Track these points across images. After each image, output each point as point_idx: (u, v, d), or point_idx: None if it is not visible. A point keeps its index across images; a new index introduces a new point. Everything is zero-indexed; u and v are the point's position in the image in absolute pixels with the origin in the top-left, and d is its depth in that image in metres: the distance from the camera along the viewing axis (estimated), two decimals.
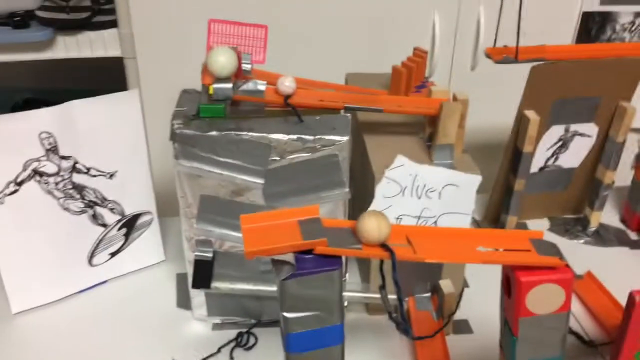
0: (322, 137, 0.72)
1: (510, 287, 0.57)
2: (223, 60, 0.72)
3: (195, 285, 0.79)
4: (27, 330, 0.84)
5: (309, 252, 0.53)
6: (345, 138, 0.72)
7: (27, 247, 0.83)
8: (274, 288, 0.79)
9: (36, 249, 0.84)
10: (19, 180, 0.80)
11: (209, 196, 0.74)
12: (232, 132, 0.71)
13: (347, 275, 0.91)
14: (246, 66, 0.79)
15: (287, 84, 0.75)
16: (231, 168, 0.72)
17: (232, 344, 0.82)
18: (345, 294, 0.82)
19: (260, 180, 0.72)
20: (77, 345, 0.82)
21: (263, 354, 0.81)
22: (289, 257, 0.52)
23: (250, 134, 0.71)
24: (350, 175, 0.76)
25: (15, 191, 0.80)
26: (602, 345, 0.83)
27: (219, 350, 0.81)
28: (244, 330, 0.84)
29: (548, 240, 0.58)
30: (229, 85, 0.74)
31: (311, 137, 0.71)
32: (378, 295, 0.70)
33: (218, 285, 0.79)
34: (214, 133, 0.71)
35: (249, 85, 0.75)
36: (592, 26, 1.43)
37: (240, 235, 0.66)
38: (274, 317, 0.84)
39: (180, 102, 0.77)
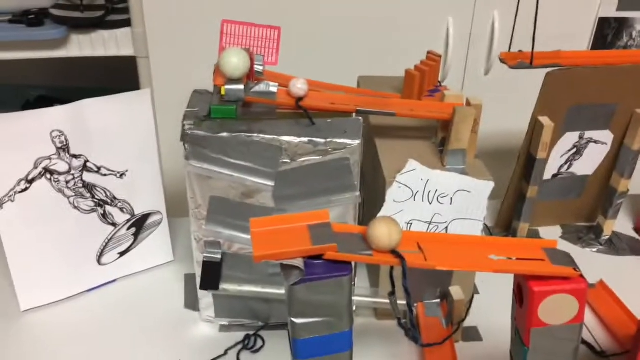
0: (334, 140, 0.71)
1: (523, 297, 0.56)
2: (236, 62, 0.72)
3: (204, 286, 0.78)
4: (36, 328, 0.84)
5: (319, 257, 0.52)
6: (357, 142, 0.71)
7: (36, 244, 0.84)
8: (283, 291, 0.78)
9: (46, 246, 0.84)
10: (29, 178, 0.80)
11: (219, 198, 0.74)
12: (243, 133, 0.71)
13: (356, 279, 0.90)
14: (258, 68, 0.79)
15: (299, 86, 0.75)
16: (242, 170, 0.72)
17: (239, 347, 0.81)
18: (354, 298, 0.82)
19: (270, 183, 0.72)
20: (84, 343, 0.82)
21: (270, 357, 0.81)
22: (298, 262, 0.51)
23: (261, 135, 0.71)
24: (362, 179, 0.75)
25: (26, 189, 0.81)
26: (614, 356, 0.82)
27: (225, 352, 0.80)
28: (251, 332, 0.83)
29: (562, 250, 0.58)
30: (241, 87, 0.73)
31: (322, 140, 0.71)
32: (387, 301, 0.69)
33: (226, 287, 0.78)
34: (224, 134, 0.71)
35: (260, 87, 0.75)
36: (608, 32, 1.41)
37: (249, 237, 0.65)
38: (281, 320, 0.84)
39: (192, 102, 0.77)
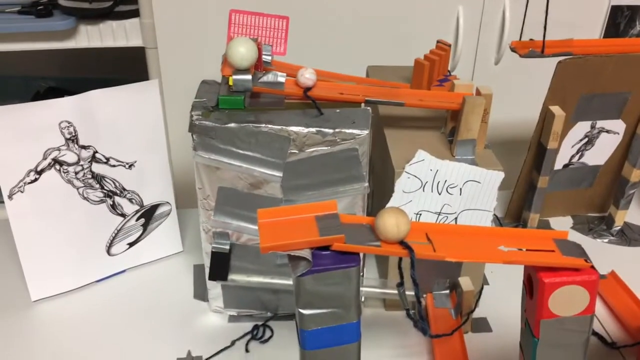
0: (342, 130, 0.71)
1: (533, 288, 0.56)
2: (243, 51, 0.71)
3: (212, 277, 0.78)
4: (46, 318, 0.85)
5: (326, 248, 0.52)
6: (365, 132, 0.71)
7: (46, 235, 0.84)
8: (291, 282, 0.78)
9: (55, 237, 0.85)
10: (39, 168, 0.81)
11: (227, 188, 0.74)
12: (251, 124, 0.71)
13: (365, 270, 0.90)
14: (267, 57, 0.78)
15: (307, 76, 0.74)
16: (249, 160, 0.71)
17: (247, 337, 0.81)
18: (362, 289, 0.82)
19: (278, 173, 0.72)
20: (94, 333, 0.83)
21: (279, 347, 0.81)
22: (306, 253, 0.51)
23: (269, 126, 0.70)
24: (371, 170, 0.75)
25: (35, 180, 0.81)
26: (625, 347, 0.81)
27: (232, 343, 0.80)
28: (260, 323, 0.83)
29: (573, 241, 0.57)
30: (249, 77, 0.73)
31: (331, 131, 0.71)
32: (396, 292, 0.69)
33: (235, 277, 0.78)
34: (232, 125, 0.71)
35: (268, 77, 0.74)
36: (620, 20, 1.39)
37: (257, 228, 0.65)
38: (290, 311, 0.84)
39: (200, 93, 0.76)
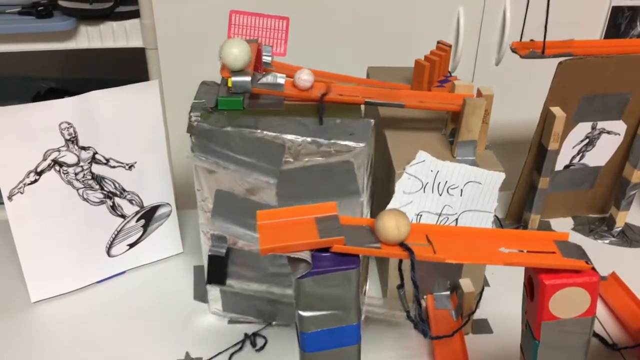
0: (337, 142, 0.68)
1: (533, 290, 0.56)
2: (236, 52, 0.70)
3: (210, 281, 0.78)
4: (46, 319, 0.85)
5: (326, 250, 0.52)
6: (362, 145, 0.68)
7: (46, 236, 0.84)
8: (286, 291, 0.78)
9: (55, 238, 0.85)
10: (39, 169, 0.81)
11: (225, 191, 0.73)
12: (247, 129, 0.69)
13: (367, 286, 0.89)
14: (267, 58, 0.78)
15: (304, 78, 0.74)
16: (245, 165, 0.70)
17: (238, 347, 0.80)
18: (365, 308, 0.80)
19: (272, 180, 0.71)
20: (94, 334, 0.82)
21: (274, 354, 0.80)
22: (306, 255, 0.51)
23: (265, 132, 0.69)
24: (372, 171, 0.74)
25: (35, 181, 0.81)
26: (626, 349, 0.81)
27: (219, 354, 0.79)
28: (250, 333, 0.82)
29: (573, 242, 0.57)
30: (248, 79, 0.72)
31: (326, 141, 0.68)
32: (398, 312, 0.69)
33: (232, 283, 0.78)
34: (229, 128, 0.69)
35: (268, 79, 0.74)
36: (621, 21, 1.39)
37: (253, 235, 0.64)
38: (286, 321, 0.83)
39: (199, 94, 0.76)
